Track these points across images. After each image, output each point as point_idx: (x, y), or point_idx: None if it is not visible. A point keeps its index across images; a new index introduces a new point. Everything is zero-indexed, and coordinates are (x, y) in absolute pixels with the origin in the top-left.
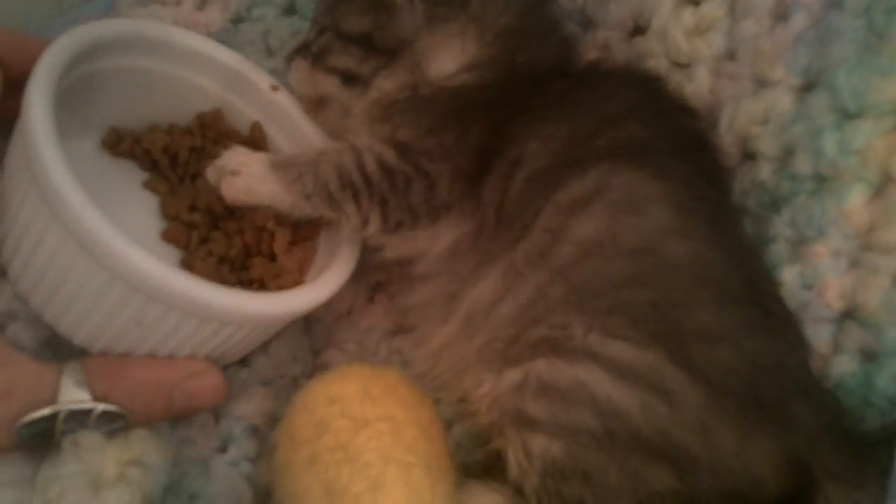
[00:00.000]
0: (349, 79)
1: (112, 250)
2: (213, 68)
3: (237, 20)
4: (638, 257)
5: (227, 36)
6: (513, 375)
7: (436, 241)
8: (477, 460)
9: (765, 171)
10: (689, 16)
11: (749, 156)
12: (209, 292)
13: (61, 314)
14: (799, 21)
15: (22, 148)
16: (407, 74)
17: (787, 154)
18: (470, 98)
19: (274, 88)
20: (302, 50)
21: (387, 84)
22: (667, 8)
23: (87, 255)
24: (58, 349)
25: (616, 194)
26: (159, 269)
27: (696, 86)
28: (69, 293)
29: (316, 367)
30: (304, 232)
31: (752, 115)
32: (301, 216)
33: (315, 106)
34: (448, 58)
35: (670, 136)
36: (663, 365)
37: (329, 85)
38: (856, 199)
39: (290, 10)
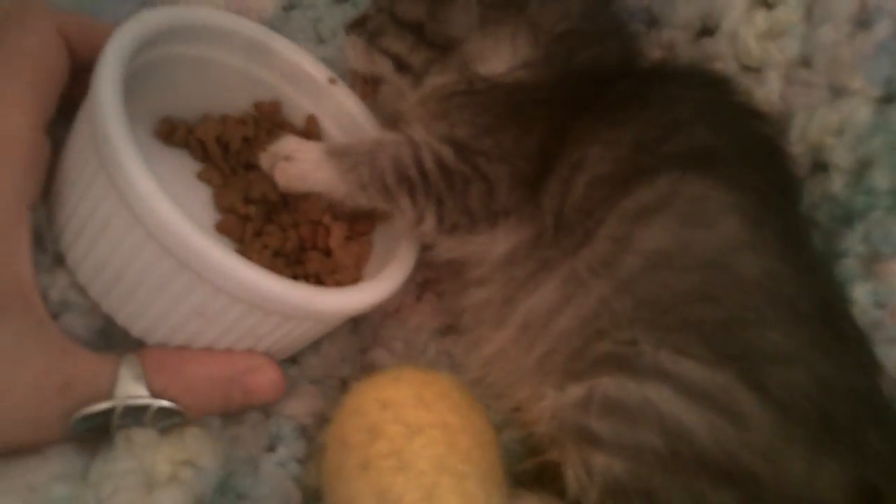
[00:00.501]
0: (402, 66)
1: (182, 238)
2: (271, 59)
3: (288, 7)
4: (707, 272)
5: (277, 23)
6: (576, 391)
7: (493, 246)
8: (526, 469)
9: (837, 184)
10: (761, 19)
11: (820, 167)
12: (279, 286)
13: (122, 304)
14: (883, 29)
15: (89, 133)
16: (457, 73)
17: (863, 167)
18: (527, 96)
19: (332, 81)
20: (358, 25)
21: (439, 80)
22: (738, 10)
23: (156, 242)
24: (111, 339)
25: (685, 204)
26: (229, 259)
27: (767, 91)
28: (132, 282)
29: (362, 366)
30: (360, 227)
31: (827, 125)
32: (355, 206)
33: (370, 87)
34: (498, 60)
35: (740, 142)
36: (734, 386)
37: (383, 66)
38: None
39: None
